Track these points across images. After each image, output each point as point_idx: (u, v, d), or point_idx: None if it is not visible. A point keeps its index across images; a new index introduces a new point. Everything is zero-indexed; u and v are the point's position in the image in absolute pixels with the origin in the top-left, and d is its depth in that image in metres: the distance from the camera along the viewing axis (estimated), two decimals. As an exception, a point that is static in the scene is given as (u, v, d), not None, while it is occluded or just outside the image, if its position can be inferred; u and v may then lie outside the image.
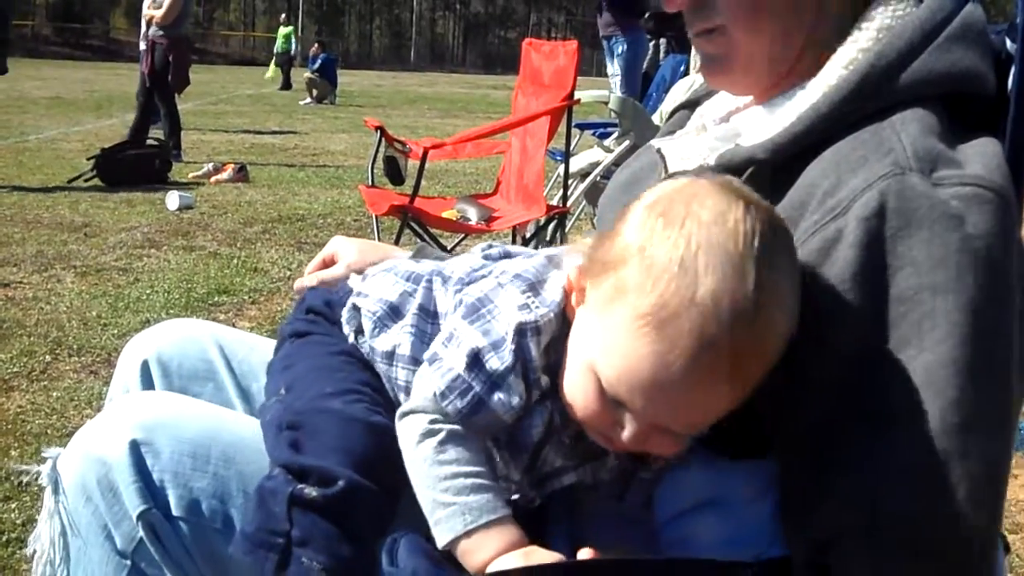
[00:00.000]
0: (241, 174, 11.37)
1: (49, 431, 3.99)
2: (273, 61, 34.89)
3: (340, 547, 1.37)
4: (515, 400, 1.34)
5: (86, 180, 10.69)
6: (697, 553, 1.38)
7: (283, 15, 38.52)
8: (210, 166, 11.66)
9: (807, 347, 1.26)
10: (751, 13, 1.44)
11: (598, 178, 7.10)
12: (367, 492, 1.38)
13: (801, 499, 1.30)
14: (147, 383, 1.82)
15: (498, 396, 1.34)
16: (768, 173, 1.40)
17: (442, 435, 1.34)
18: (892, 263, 1.22)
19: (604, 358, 1.27)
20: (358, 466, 1.40)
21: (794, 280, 1.23)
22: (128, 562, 1.46)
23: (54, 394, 4.43)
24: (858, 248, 1.23)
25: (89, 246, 7.57)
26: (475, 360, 1.35)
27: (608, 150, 7.49)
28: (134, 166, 10.96)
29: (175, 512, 1.46)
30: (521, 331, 1.34)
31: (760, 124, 1.47)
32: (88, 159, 11.15)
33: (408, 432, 1.37)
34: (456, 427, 1.35)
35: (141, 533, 1.45)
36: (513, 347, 1.34)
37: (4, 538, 3.16)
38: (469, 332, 1.37)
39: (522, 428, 1.40)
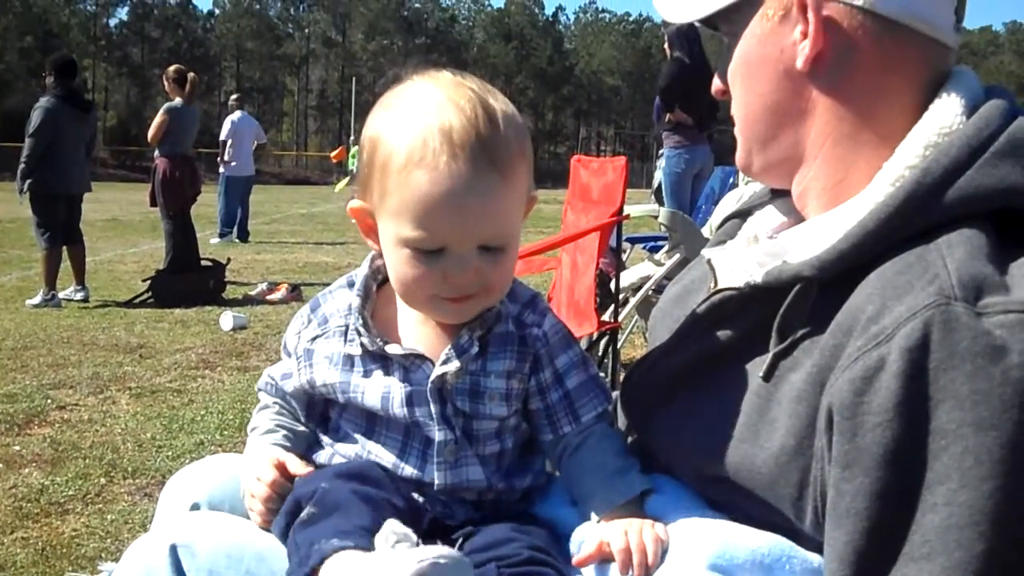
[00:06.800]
0: (294, 294, 11.46)
1: (103, 554, 3.98)
2: (348, 178, 35.55)
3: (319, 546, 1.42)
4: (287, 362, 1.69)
5: (142, 301, 10.83)
6: None
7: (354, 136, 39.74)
8: (264, 286, 11.79)
9: (845, 477, 1.25)
10: (739, 112, 1.58)
11: (650, 292, 7.10)
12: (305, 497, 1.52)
13: None
14: None
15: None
16: (815, 290, 1.39)
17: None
18: (934, 396, 1.20)
19: (401, 222, 1.46)
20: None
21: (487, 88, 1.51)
22: None
23: (108, 517, 4.43)
24: (901, 379, 1.21)
25: (144, 367, 7.64)
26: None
27: (659, 264, 7.50)
28: (188, 287, 11.13)
29: None
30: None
31: (808, 240, 1.47)
32: (143, 280, 11.31)
33: None
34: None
35: None
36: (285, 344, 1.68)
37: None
38: None
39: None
